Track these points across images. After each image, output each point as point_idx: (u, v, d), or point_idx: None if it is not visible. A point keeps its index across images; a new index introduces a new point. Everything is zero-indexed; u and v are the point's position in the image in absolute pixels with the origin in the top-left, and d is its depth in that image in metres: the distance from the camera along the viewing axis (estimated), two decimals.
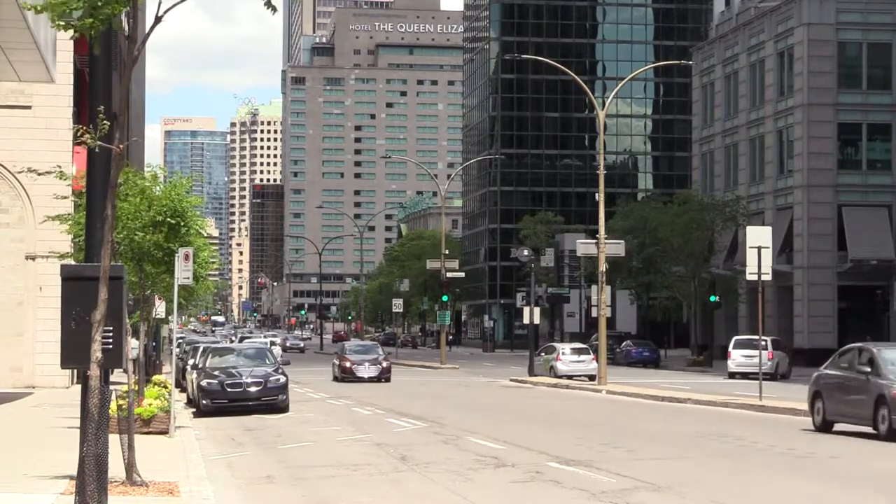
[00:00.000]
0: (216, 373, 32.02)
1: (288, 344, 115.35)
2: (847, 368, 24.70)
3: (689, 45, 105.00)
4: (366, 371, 49.03)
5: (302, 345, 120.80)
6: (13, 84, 33.83)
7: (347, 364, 49.53)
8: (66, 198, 20.58)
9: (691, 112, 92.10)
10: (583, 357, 52.00)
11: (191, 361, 37.36)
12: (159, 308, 34.56)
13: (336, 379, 50.46)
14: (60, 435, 22.13)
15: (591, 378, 50.01)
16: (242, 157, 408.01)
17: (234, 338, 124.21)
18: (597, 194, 53.08)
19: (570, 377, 50.51)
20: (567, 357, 52.00)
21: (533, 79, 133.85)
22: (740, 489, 16.33)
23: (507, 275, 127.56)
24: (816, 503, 15.18)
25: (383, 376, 49.39)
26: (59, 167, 18.24)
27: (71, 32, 11.06)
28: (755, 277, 33.31)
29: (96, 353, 11.46)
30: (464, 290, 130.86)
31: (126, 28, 11.66)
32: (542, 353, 54.28)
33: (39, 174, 15.80)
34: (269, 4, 11.13)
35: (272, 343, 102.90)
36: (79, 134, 11.63)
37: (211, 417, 30.16)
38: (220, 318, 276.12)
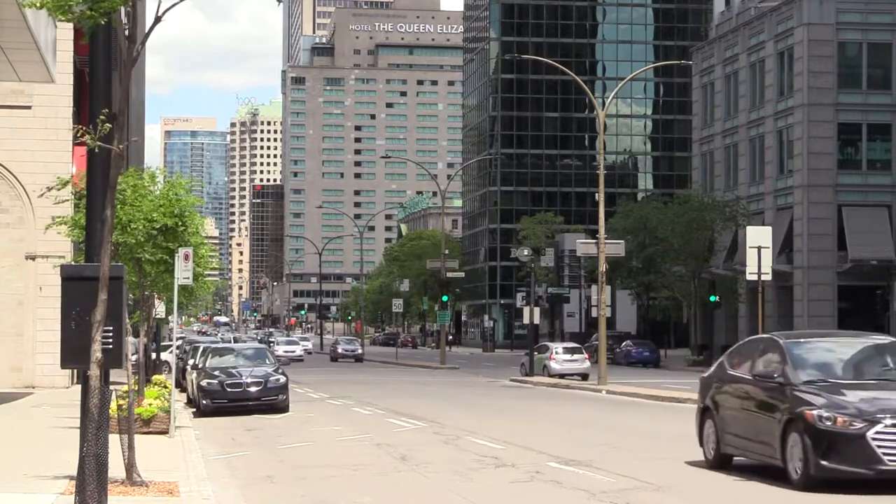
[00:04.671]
0: (216, 373, 32.02)
1: (340, 350, 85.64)
2: None
3: (689, 45, 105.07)
4: None
5: (360, 351, 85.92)
6: (13, 84, 33.80)
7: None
8: (66, 201, 20.55)
9: (691, 112, 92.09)
10: (576, 356, 52.31)
11: (191, 361, 37.36)
12: (159, 308, 34.53)
13: None
14: (60, 435, 22.11)
15: (584, 377, 50.18)
16: (242, 157, 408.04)
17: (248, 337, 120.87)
18: (597, 194, 53.12)
19: (563, 376, 50.76)
20: (560, 356, 52.30)
21: (533, 79, 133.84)
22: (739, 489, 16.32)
23: (507, 275, 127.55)
24: (815, 502, 15.17)
25: None
26: (59, 177, 18.29)
27: (71, 32, 11.06)
28: (755, 277, 33.32)
29: (96, 353, 11.45)
30: (464, 290, 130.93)
31: (126, 27, 11.65)
32: (536, 353, 54.43)
33: (58, 190, 15.94)
34: None
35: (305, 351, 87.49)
36: (79, 134, 11.62)
37: (211, 417, 30.16)
38: (224, 319, 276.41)
